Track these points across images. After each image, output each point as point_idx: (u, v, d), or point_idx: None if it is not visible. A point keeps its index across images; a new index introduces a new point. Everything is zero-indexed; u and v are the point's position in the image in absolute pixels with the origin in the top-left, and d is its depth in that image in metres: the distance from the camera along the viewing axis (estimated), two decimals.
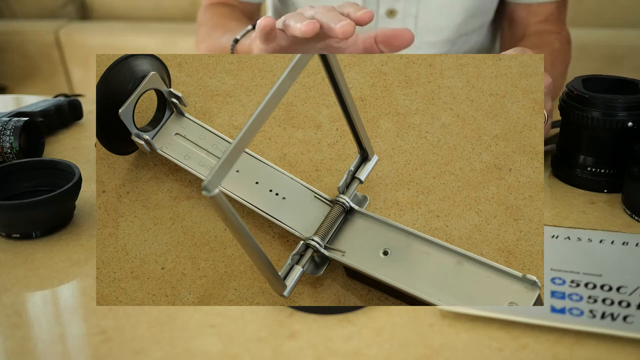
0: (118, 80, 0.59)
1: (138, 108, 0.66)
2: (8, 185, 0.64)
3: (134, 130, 0.60)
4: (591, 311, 0.48)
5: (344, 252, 0.55)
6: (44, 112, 0.81)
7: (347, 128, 0.64)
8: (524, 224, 0.58)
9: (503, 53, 0.65)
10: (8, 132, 0.71)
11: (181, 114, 0.63)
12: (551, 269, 0.54)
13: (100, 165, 0.63)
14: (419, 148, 0.62)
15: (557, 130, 0.73)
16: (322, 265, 0.56)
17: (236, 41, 0.84)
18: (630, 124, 0.64)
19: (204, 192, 0.42)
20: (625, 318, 0.48)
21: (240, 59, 0.70)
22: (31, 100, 0.90)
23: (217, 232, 0.60)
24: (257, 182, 0.59)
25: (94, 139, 0.82)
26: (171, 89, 0.62)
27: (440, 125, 0.63)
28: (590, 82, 0.68)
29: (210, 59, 0.69)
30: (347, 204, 0.56)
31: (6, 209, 0.58)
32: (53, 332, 0.50)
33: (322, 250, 0.54)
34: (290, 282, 0.53)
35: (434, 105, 0.65)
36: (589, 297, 0.50)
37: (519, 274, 0.51)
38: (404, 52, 0.98)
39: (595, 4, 1.99)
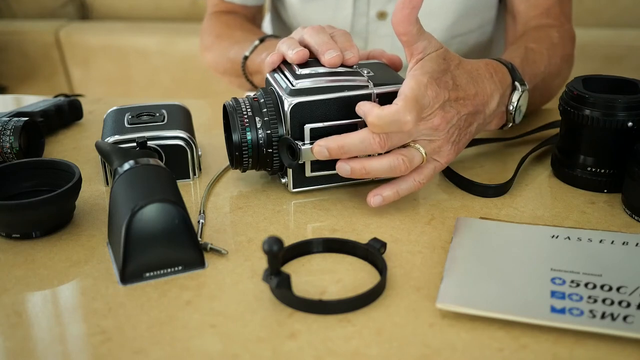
0: None
1: None
2: (8, 185, 0.64)
3: None
4: (591, 311, 0.48)
5: None
6: (44, 112, 0.81)
7: None
8: None
9: None
10: (8, 132, 0.71)
11: None
12: (551, 269, 0.54)
13: None
14: None
15: (557, 130, 0.73)
16: None
17: (246, 58, 0.88)
18: (630, 124, 0.64)
19: None
20: (625, 318, 0.48)
21: None
22: (31, 100, 0.90)
23: None
24: None
25: (94, 139, 0.82)
26: None
27: None
28: (590, 82, 0.68)
29: None
30: None
31: (6, 209, 0.58)
32: (53, 332, 0.50)
33: None
34: None
35: None
36: (589, 297, 0.50)
37: None
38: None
39: (595, 4, 1.99)
